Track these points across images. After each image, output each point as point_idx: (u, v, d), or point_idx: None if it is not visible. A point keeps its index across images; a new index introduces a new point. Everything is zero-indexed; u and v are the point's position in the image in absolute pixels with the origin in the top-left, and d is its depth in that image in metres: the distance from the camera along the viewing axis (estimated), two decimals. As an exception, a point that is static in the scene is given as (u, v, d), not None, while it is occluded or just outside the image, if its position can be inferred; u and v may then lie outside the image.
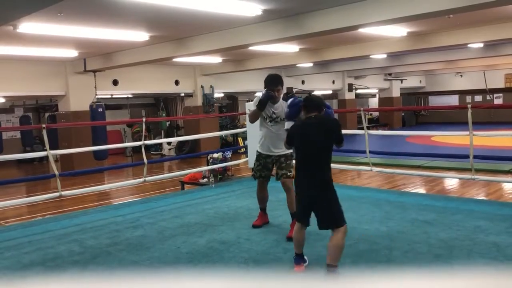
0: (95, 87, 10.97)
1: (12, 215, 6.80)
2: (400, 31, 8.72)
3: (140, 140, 7.47)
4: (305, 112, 3.66)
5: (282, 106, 4.59)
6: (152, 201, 6.99)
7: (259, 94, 5.32)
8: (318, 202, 3.50)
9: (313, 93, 19.62)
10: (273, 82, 4.58)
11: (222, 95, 16.35)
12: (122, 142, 15.85)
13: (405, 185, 7.80)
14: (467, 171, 6.88)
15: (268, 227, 5.13)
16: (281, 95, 4.69)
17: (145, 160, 7.09)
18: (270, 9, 6.14)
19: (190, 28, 7.38)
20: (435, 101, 23.54)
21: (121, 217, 5.90)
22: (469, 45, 10.64)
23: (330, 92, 19.58)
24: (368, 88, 20.54)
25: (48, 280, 0.75)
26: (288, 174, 4.63)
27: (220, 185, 7.73)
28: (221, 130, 14.67)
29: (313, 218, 3.69)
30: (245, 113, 8.25)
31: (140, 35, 7.60)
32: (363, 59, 13.85)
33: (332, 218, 3.45)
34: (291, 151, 4.47)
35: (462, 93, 22.26)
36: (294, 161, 4.21)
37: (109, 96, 13.67)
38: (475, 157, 6.13)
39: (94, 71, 10.74)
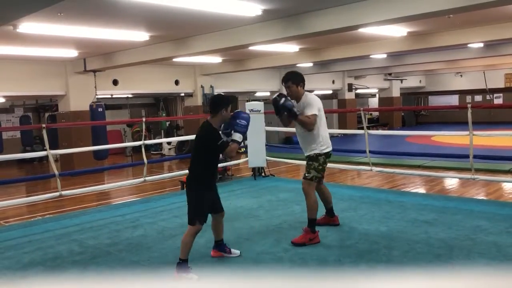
0: (95, 87, 10.96)
1: (12, 214, 6.80)
2: (400, 31, 8.71)
3: (140, 140, 7.47)
4: None
5: (303, 104, 4.50)
6: (152, 201, 6.99)
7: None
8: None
9: (312, 92, 19.66)
10: (283, 79, 4.59)
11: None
12: (122, 142, 15.84)
13: (405, 185, 7.80)
14: (467, 171, 6.89)
15: (268, 227, 5.13)
16: (299, 91, 4.51)
17: (145, 160, 7.09)
18: (270, 9, 6.14)
19: (190, 28, 7.38)
20: (435, 101, 23.54)
21: (121, 217, 5.90)
22: (469, 45, 10.64)
23: (330, 92, 19.57)
24: (368, 88, 20.53)
25: (48, 280, 0.75)
26: (306, 175, 4.51)
27: (219, 185, 7.68)
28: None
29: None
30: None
31: (140, 35, 7.60)
32: (363, 59, 13.85)
33: (187, 214, 3.80)
34: (316, 151, 4.47)
35: (462, 93, 22.25)
36: (319, 163, 4.49)
37: (109, 96, 13.66)
38: (475, 157, 6.13)
39: (94, 71, 10.73)
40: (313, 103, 4.45)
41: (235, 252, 4.17)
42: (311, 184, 4.49)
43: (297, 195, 6.76)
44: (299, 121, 4.44)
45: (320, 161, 4.49)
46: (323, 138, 4.51)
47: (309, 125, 4.41)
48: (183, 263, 3.66)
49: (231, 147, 3.83)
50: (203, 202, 3.79)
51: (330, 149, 4.58)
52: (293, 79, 4.50)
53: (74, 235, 5.15)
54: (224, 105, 3.85)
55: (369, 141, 7.01)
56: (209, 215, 3.95)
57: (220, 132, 3.89)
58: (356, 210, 5.68)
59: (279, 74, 16.65)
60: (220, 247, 4.16)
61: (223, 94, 4.06)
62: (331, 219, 4.98)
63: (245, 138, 4.02)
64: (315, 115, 4.40)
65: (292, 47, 10.55)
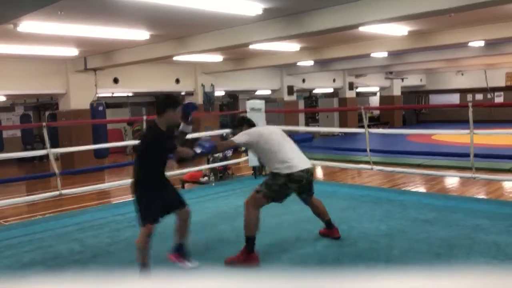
0: (96, 85, 10.97)
1: (12, 214, 6.80)
2: (401, 29, 8.70)
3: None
4: None
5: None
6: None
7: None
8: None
9: (313, 90, 19.56)
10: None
11: (222, 93, 16.35)
12: (123, 140, 15.84)
13: (405, 183, 7.80)
14: (467, 169, 6.88)
15: (268, 226, 5.12)
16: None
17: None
18: (271, 8, 6.13)
19: (190, 26, 7.38)
20: (435, 100, 23.52)
21: (121, 216, 5.90)
22: (470, 44, 10.63)
23: (331, 90, 19.57)
24: (369, 86, 20.52)
25: (48, 279, 0.75)
26: (256, 187, 4.19)
27: (220, 184, 7.74)
28: (221, 128, 14.65)
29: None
30: (245, 111, 8.24)
31: (141, 34, 7.60)
32: (364, 58, 13.84)
33: (138, 217, 3.59)
34: (275, 170, 4.08)
35: (463, 91, 22.23)
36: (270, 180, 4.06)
37: (110, 95, 13.67)
38: (475, 155, 6.13)
39: (95, 70, 10.73)
40: (241, 134, 4.25)
41: (193, 264, 3.86)
42: (254, 198, 4.11)
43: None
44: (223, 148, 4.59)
45: (278, 181, 4.04)
46: (278, 158, 4.09)
47: (219, 148, 4.39)
48: (142, 268, 3.48)
49: (183, 150, 3.68)
50: (152, 203, 3.55)
51: (294, 170, 4.02)
52: (238, 123, 4.52)
53: (75, 234, 5.15)
54: (170, 105, 3.55)
55: (370, 140, 7.01)
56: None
57: (176, 131, 3.80)
58: (356, 209, 5.68)
59: (280, 73, 16.66)
60: (179, 251, 3.90)
61: (171, 93, 3.95)
62: (329, 231, 4.56)
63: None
64: (233, 142, 4.21)
65: (292, 46, 10.54)
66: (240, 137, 4.22)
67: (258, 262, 3.95)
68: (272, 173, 4.16)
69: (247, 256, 3.97)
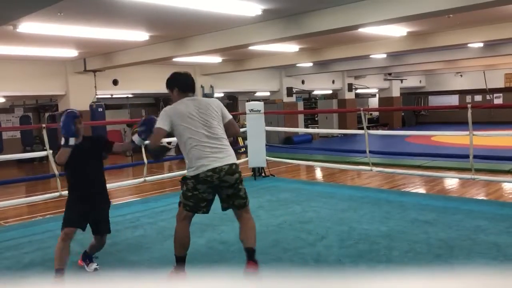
0: (95, 87, 10.97)
1: (12, 215, 6.80)
2: (400, 31, 8.71)
3: (140, 140, 7.43)
4: None
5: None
6: (152, 201, 6.99)
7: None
8: None
9: (313, 92, 19.55)
10: None
11: (222, 95, 16.35)
12: (122, 141, 15.83)
13: (405, 185, 7.80)
14: (467, 171, 6.88)
15: (268, 227, 5.13)
16: (175, 98, 3.72)
17: (145, 160, 7.09)
18: (270, 9, 6.14)
19: (190, 28, 7.38)
20: (435, 101, 23.54)
21: (121, 217, 5.90)
22: (469, 45, 10.64)
23: (330, 92, 19.58)
24: (368, 88, 20.53)
25: (48, 280, 0.75)
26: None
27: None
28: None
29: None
30: (245, 113, 8.24)
31: (140, 35, 7.60)
32: (363, 59, 13.85)
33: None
34: (186, 173, 3.59)
35: (462, 93, 22.25)
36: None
37: (109, 96, 13.67)
38: (475, 157, 6.13)
39: (94, 71, 10.74)
40: (160, 116, 3.58)
41: (92, 267, 3.99)
42: (178, 212, 3.63)
43: (297, 195, 6.77)
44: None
45: (188, 185, 3.48)
46: (191, 156, 3.42)
47: (152, 144, 3.63)
48: (57, 272, 3.47)
49: (121, 145, 4.08)
50: (69, 209, 3.76)
51: (202, 170, 3.36)
52: (167, 85, 3.73)
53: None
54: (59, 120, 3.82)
55: (369, 141, 7.01)
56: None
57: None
58: (356, 210, 5.68)
59: (279, 74, 16.67)
60: (84, 257, 4.07)
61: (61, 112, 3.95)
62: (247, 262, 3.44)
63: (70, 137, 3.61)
64: (158, 128, 3.50)
65: (292, 47, 10.55)
66: (161, 121, 3.48)
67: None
68: (183, 177, 3.63)
69: (174, 276, 3.44)
